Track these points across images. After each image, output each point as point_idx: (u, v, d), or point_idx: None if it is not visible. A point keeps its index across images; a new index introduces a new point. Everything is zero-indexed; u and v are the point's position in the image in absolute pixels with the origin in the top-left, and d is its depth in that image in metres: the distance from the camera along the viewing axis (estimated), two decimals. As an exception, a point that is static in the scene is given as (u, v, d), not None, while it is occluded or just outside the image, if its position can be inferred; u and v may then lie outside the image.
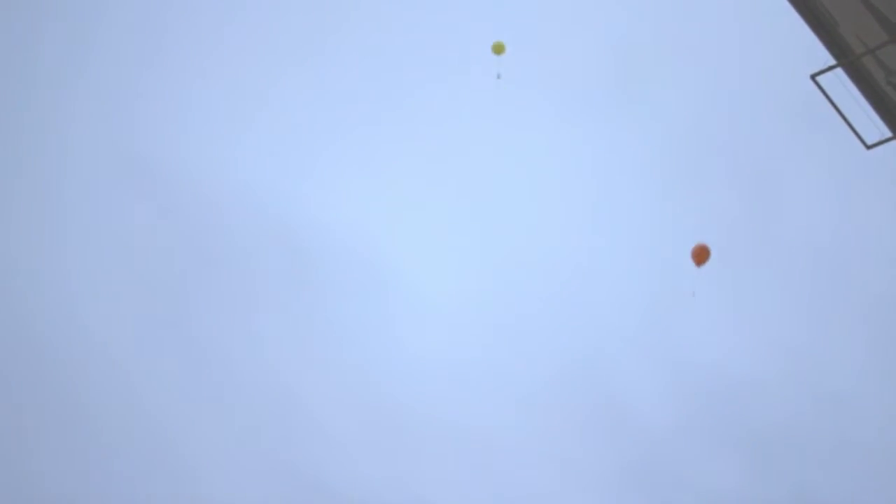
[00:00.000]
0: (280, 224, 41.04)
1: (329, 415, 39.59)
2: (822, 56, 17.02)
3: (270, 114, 41.50)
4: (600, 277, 40.94)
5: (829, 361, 38.51)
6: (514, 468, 39.45)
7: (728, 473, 38.81)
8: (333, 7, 41.17)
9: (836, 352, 38.46)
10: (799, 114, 38.45)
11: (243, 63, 41.34)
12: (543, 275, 41.05)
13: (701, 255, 25.63)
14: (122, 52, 40.70)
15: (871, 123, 16.42)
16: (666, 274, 40.19)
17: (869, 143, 16.04)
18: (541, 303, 40.90)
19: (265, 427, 39.05)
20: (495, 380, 40.20)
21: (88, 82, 40.33)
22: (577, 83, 40.54)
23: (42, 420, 37.75)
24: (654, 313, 40.31)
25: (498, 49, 28.78)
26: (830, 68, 16.28)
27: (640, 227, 40.65)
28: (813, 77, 16.23)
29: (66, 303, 39.10)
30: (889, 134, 16.54)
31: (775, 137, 39.62)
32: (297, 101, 41.70)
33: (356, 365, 40.09)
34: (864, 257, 38.31)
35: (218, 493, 37.92)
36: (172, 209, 40.57)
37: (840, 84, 16.60)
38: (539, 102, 41.18)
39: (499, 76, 29.04)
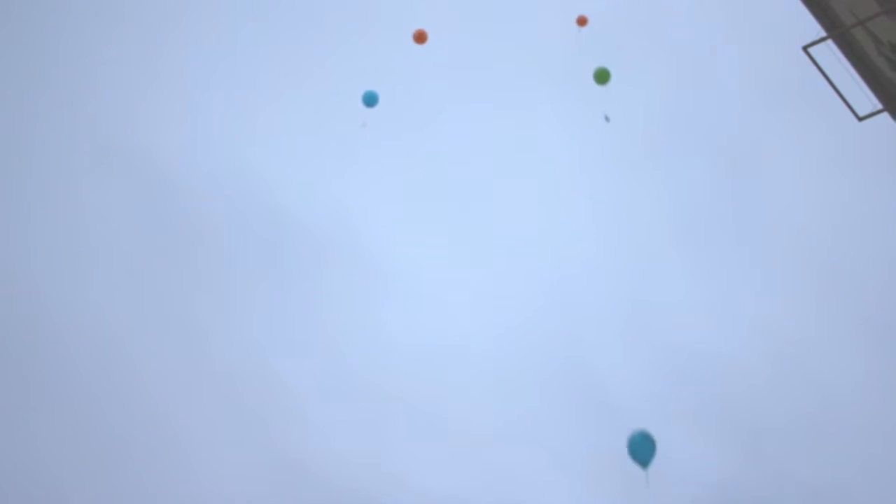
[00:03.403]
0: (263, 208, 40.73)
1: (311, 397, 39.44)
2: (805, 30, 16.87)
3: (255, 96, 41.16)
4: (578, 259, 40.86)
5: (814, 343, 38.58)
6: (495, 450, 39.42)
7: (710, 456, 38.90)
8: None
9: (820, 333, 38.52)
10: (779, 89, 38.43)
11: (227, 45, 40.90)
12: (522, 257, 40.96)
13: (420, 37, 27.03)
14: (86, 36, 40.16)
15: (863, 96, 16.31)
16: (645, 254, 40.17)
17: (861, 115, 15.92)
18: (520, 286, 40.81)
19: (246, 409, 38.85)
20: (476, 363, 40.13)
21: (55, 70, 39.79)
22: (551, 59, 40.30)
23: (33, 399, 37.46)
24: (634, 295, 40.27)
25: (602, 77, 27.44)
26: (822, 39, 16.12)
27: (618, 207, 40.56)
28: (805, 48, 16.05)
29: (60, 284, 38.80)
30: (880, 106, 16.42)
31: (759, 112, 39.55)
32: (279, 84, 41.35)
33: (338, 347, 39.93)
34: (849, 236, 38.35)
35: (199, 472, 37.70)
36: (153, 192, 40.13)
37: (832, 56, 16.45)
38: (515, 83, 40.99)
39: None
